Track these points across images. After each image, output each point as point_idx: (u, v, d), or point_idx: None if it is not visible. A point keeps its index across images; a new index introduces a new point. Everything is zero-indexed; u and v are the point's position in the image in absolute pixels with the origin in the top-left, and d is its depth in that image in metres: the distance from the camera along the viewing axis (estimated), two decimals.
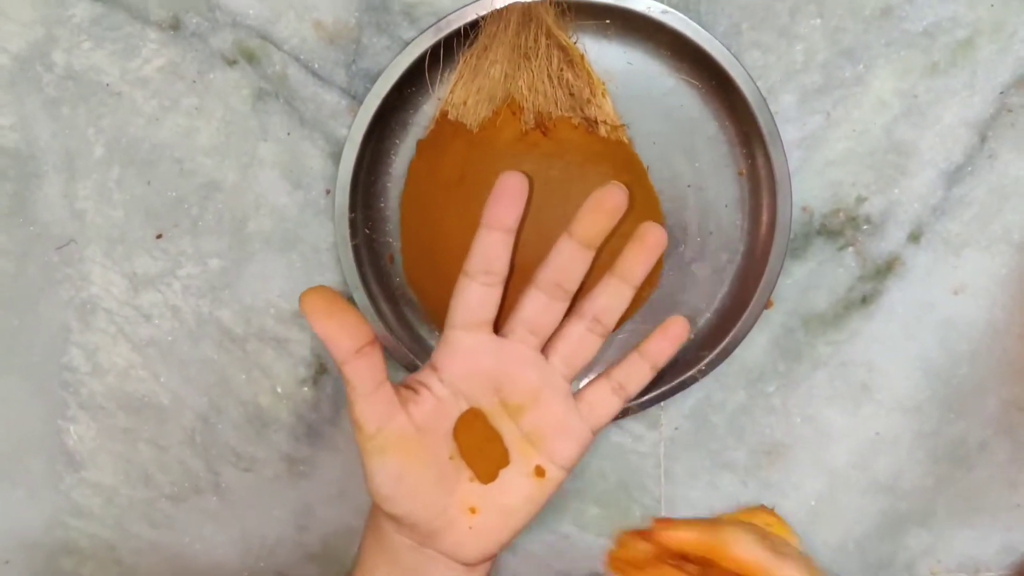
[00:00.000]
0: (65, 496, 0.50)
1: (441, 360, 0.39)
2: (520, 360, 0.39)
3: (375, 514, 0.40)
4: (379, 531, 0.40)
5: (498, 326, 0.39)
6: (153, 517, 0.51)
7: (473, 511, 0.38)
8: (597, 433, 0.40)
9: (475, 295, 0.38)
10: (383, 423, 0.36)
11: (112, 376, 0.49)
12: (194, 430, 0.49)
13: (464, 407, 0.38)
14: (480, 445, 0.38)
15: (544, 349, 0.40)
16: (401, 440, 0.36)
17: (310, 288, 0.34)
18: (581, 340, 0.39)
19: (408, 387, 0.38)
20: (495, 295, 0.38)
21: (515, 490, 0.39)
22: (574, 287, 0.39)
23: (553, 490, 0.40)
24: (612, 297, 0.39)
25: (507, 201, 0.36)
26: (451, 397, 0.38)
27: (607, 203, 0.37)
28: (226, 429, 0.49)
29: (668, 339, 0.40)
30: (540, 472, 0.39)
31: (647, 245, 0.38)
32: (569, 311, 0.40)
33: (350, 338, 0.34)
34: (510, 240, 0.37)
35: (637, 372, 0.40)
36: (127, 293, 0.48)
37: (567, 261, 0.38)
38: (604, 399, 0.40)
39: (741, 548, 0.35)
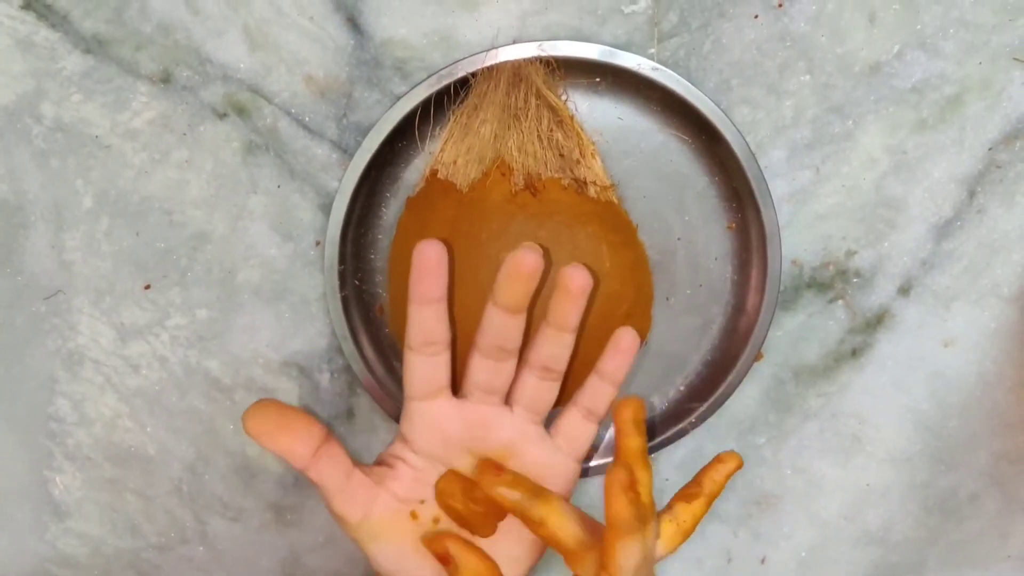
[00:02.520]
0: (51, 546, 0.51)
1: (409, 433, 0.39)
2: (484, 418, 0.39)
3: None
4: None
5: (457, 384, 0.40)
6: (140, 567, 0.51)
7: None
8: (582, 461, 0.41)
9: (423, 367, 0.38)
10: (367, 509, 0.37)
11: (99, 426, 0.50)
12: (181, 480, 0.50)
13: (442, 471, 0.39)
14: (467, 506, 0.38)
15: (506, 400, 0.40)
16: (390, 519, 0.37)
17: (247, 410, 0.34)
18: (537, 389, 0.40)
19: (383, 463, 0.39)
20: (443, 362, 0.38)
21: (516, 537, 0.39)
22: (516, 346, 0.39)
23: None
24: (553, 345, 0.39)
25: (428, 275, 0.36)
26: (428, 465, 0.39)
27: (522, 268, 0.36)
28: (213, 479, 0.50)
29: (621, 353, 0.40)
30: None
31: (571, 291, 0.38)
32: (520, 360, 0.40)
33: (304, 444, 0.34)
34: (442, 308, 0.37)
35: (601, 393, 0.40)
36: (115, 343, 0.49)
37: (499, 328, 0.38)
38: (578, 427, 0.41)
39: (553, 524, 0.35)
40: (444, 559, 0.37)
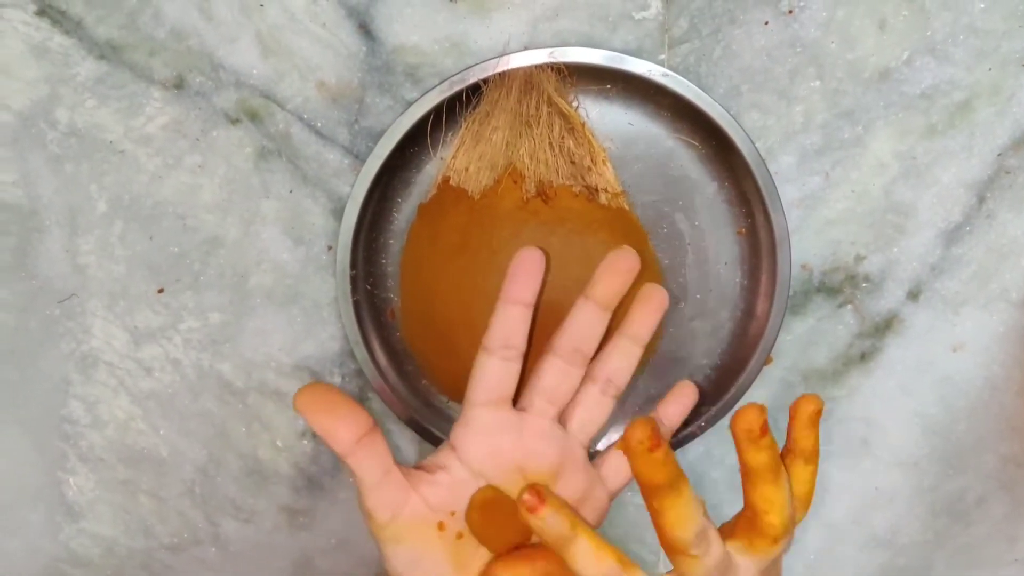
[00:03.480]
0: (64, 546, 0.52)
1: (461, 440, 0.39)
2: (540, 435, 0.39)
3: None
4: None
5: (516, 399, 0.40)
6: (152, 567, 0.52)
7: None
8: (613, 499, 0.41)
9: (495, 370, 0.38)
10: (397, 510, 0.36)
11: (112, 428, 0.50)
12: (193, 482, 0.51)
13: (482, 485, 0.39)
14: (498, 524, 0.38)
15: (561, 418, 0.40)
16: (416, 525, 0.37)
17: (302, 387, 0.35)
18: (597, 404, 0.40)
19: (423, 468, 0.38)
20: (515, 369, 0.39)
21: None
22: (592, 351, 0.40)
23: None
24: (623, 358, 0.40)
25: (525, 277, 0.38)
26: (470, 478, 0.38)
27: (622, 265, 0.39)
28: (225, 481, 0.51)
29: (681, 403, 0.42)
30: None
31: (652, 306, 0.40)
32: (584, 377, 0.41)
33: (348, 430, 0.34)
34: (528, 314, 0.38)
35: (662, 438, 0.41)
36: (128, 346, 0.49)
37: (586, 325, 0.39)
38: (624, 465, 0.41)
39: (580, 564, 0.34)
40: None
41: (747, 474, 0.36)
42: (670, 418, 0.42)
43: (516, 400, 0.40)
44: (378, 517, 0.36)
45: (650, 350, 0.46)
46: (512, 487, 0.39)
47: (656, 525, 0.34)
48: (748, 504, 0.36)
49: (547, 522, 0.34)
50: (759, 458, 0.35)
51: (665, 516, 0.33)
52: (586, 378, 0.41)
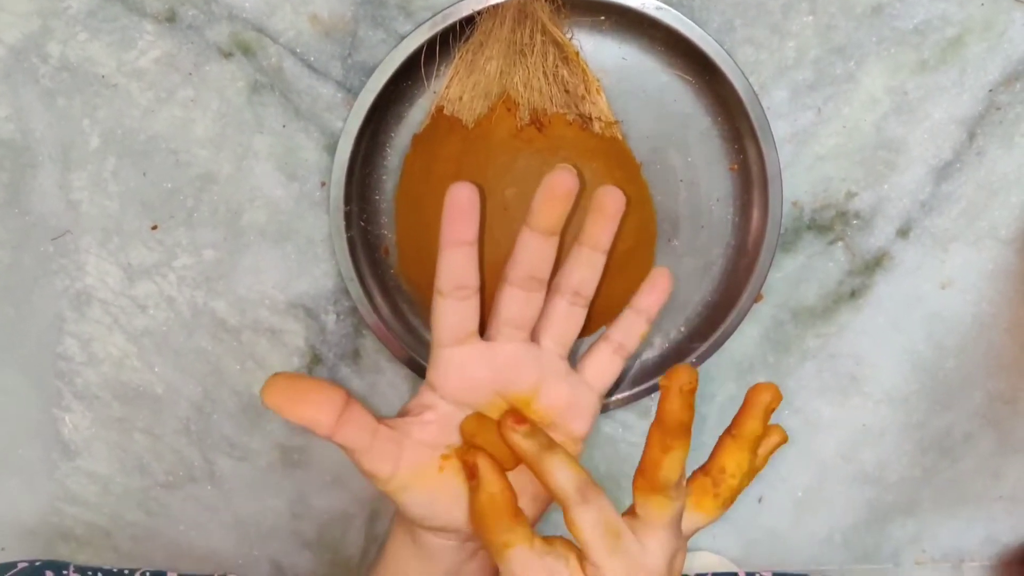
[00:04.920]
0: (60, 484, 0.52)
1: (436, 379, 0.39)
2: (513, 358, 0.40)
3: (404, 524, 0.41)
4: (414, 535, 0.40)
5: (484, 327, 0.41)
6: (148, 505, 0.53)
7: None
8: (603, 397, 0.42)
9: (453, 312, 0.38)
10: (395, 462, 0.37)
11: (107, 366, 0.51)
12: (188, 419, 0.52)
13: (468, 414, 0.39)
14: (495, 445, 0.38)
15: (533, 334, 0.41)
16: (418, 468, 0.37)
17: (264, 386, 0.34)
18: (567, 315, 0.41)
19: (409, 413, 0.39)
20: (473, 306, 0.39)
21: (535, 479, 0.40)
22: (547, 275, 0.40)
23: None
24: (586, 267, 0.40)
25: (460, 215, 0.37)
26: (455, 410, 0.39)
27: (558, 189, 0.37)
28: (221, 419, 0.52)
29: (657, 290, 0.41)
30: None
31: (607, 212, 0.39)
32: (549, 290, 0.41)
33: (326, 413, 0.35)
34: (474, 251, 0.38)
35: (634, 327, 0.41)
36: (122, 284, 0.50)
37: (534, 253, 0.39)
38: (607, 362, 0.41)
39: (555, 478, 0.36)
40: (471, 472, 0.38)
41: (736, 437, 0.37)
42: (649, 306, 0.41)
43: (485, 329, 0.41)
44: (380, 474, 0.37)
45: (639, 283, 0.47)
46: (496, 410, 0.40)
47: (651, 462, 0.35)
48: (718, 465, 0.37)
49: (525, 438, 0.36)
50: (758, 428, 0.37)
51: (668, 455, 0.35)
52: (552, 292, 0.41)
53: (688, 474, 0.37)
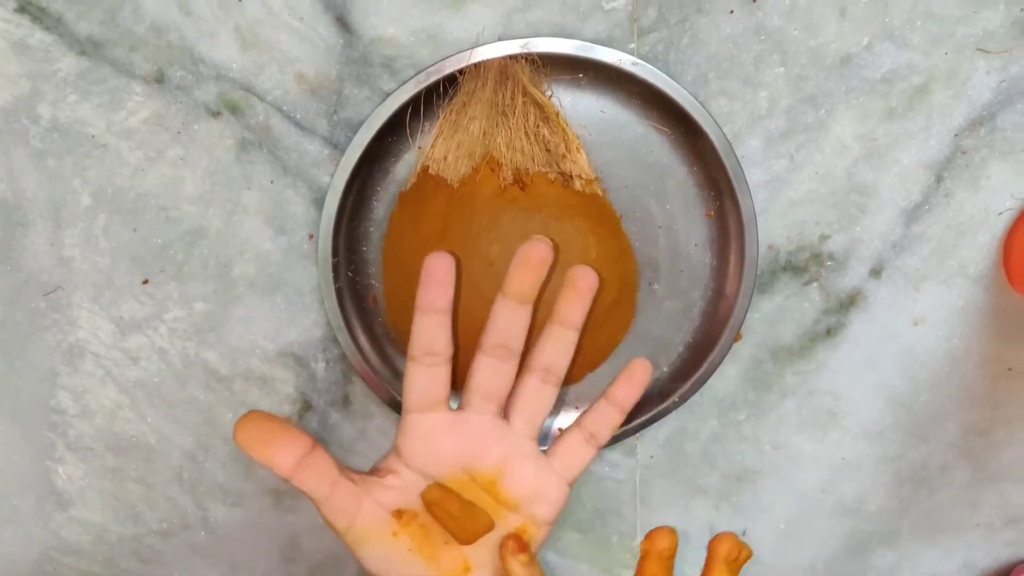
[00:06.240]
0: (55, 534, 0.54)
1: (403, 446, 0.40)
2: (481, 433, 0.40)
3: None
4: None
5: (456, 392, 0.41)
6: (142, 553, 0.54)
7: (467, 569, 0.41)
8: (573, 485, 0.42)
9: (423, 378, 0.39)
10: (351, 517, 0.38)
11: (100, 417, 0.52)
12: (181, 468, 0.53)
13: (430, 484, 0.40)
14: (451, 519, 0.39)
15: (504, 411, 0.41)
16: (374, 527, 0.39)
17: (237, 422, 0.36)
18: (538, 394, 0.41)
19: (375, 472, 0.41)
20: (444, 373, 0.40)
21: (491, 547, 0.41)
22: (520, 345, 0.40)
23: (539, 544, 0.42)
24: (557, 345, 0.41)
25: (435, 284, 0.38)
26: (419, 479, 0.40)
27: (532, 258, 0.38)
28: (213, 466, 0.53)
29: (633, 382, 0.42)
30: (523, 531, 0.41)
31: (579, 289, 0.40)
32: (519, 368, 0.41)
33: (285, 456, 0.36)
34: (447, 319, 0.39)
35: (607, 418, 0.42)
36: (114, 337, 0.51)
37: (507, 321, 0.40)
38: (578, 450, 0.42)
39: None
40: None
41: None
42: (624, 399, 0.42)
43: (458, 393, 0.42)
44: (336, 525, 0.39)
45: (622, 331, 0.49)
46: (459, 484, 0.40)
47: None
48: None
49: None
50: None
51: None
52: (524, 369, 0.41)
53: None
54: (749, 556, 0.39)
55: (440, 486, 0.40)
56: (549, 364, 0.41)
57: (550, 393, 0.41)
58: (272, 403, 0.52)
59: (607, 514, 0.55)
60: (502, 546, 0.39)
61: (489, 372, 0.40)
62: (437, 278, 0.38)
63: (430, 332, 0.39)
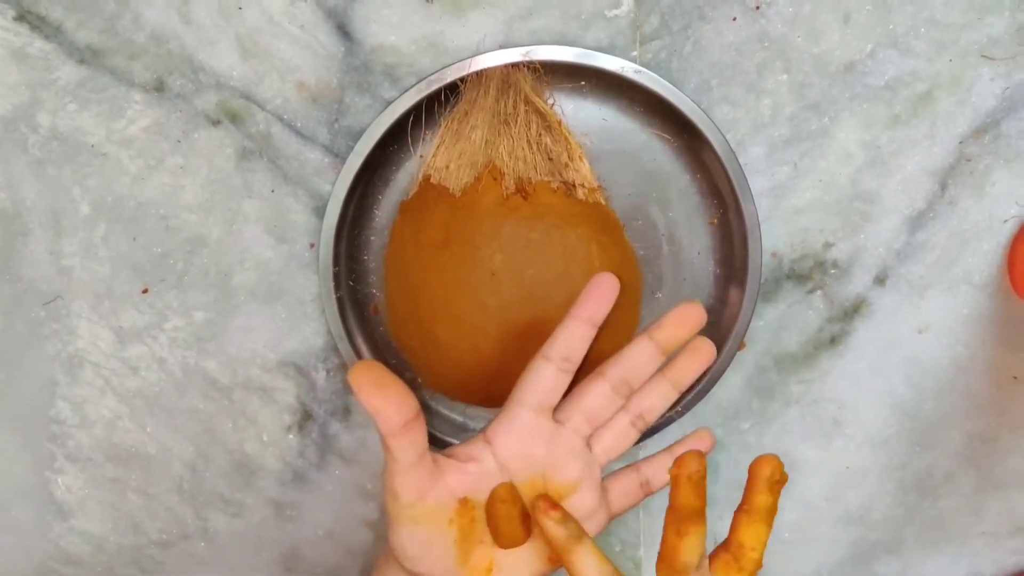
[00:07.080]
0: (54, 544, 0.54)
1: (498, 435, 0.42)
2: (570, 450, 0.42)
3: (390, 562, 0.43)
4: None
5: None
6: (143, 563, 0.54)
7: (489, 570, 0.41)
8: (612, 519, 0.44)
9: (550, 378, 0.41)
10: (422, 494, 0.39)
11: (99, 427, 0.52)
12: (182, 478, 0.53)
13: (506, 480, 0.41)
14: (507, 519, 0.40)
15: (588, 437, 0.43)
16: (436, 510, 0.39)
17: (358, 363, 0.37)
18: (624, 434, 0.44)
19: (453, 456, 0.41)
20: (566, 381, 0.42)
21: (528, 565, 0.42)
22: (638, 386, 0.43)
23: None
24: (659, 399, 0.44)
25: (599, 298, 0.41)
26: (497, 472, 0.41)
27: (691, 319, 0.42)
28: (213, 476, 0.53)
29: (693, 441, 0.46)
30: (554, 560, 0.42)
31: (701, 358, 0.44)
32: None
33: (397, 412, 0.36)
34: (592, 334, 0.42)
35: (662, 471, 0.45)
36: (113, 346, 0.51)
37: (641, 362, 0.42)
38: (630, 492, 0.44)
39: (582, 569, 0.38)
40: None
41: (748, 511, 0.39)
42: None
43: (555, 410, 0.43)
44: (403, 497, 0.39)
45: (626, 340, 0.49)
46: (531, 490, 0.42)
47: (669, 547, 0.37)
48: (736, 541, 0.39)
49: (559, 524, 0.38)
50: (767, 500, 0.38)
51: (685, 540, 0.37)
52: (621, 408, 0.44)
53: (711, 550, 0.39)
54: (786, 480, 0.39)
55: (513, 487, 0.41)
56: (645, 412, 0.44)
57: (633, 436, 0.44)
58: (273, 412, 0.52)
59: (611, 523, 0.55)
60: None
61: (603, 399, 0.43)
62: (602, 294, 0.41)
63: (576, 340, 0.41)
